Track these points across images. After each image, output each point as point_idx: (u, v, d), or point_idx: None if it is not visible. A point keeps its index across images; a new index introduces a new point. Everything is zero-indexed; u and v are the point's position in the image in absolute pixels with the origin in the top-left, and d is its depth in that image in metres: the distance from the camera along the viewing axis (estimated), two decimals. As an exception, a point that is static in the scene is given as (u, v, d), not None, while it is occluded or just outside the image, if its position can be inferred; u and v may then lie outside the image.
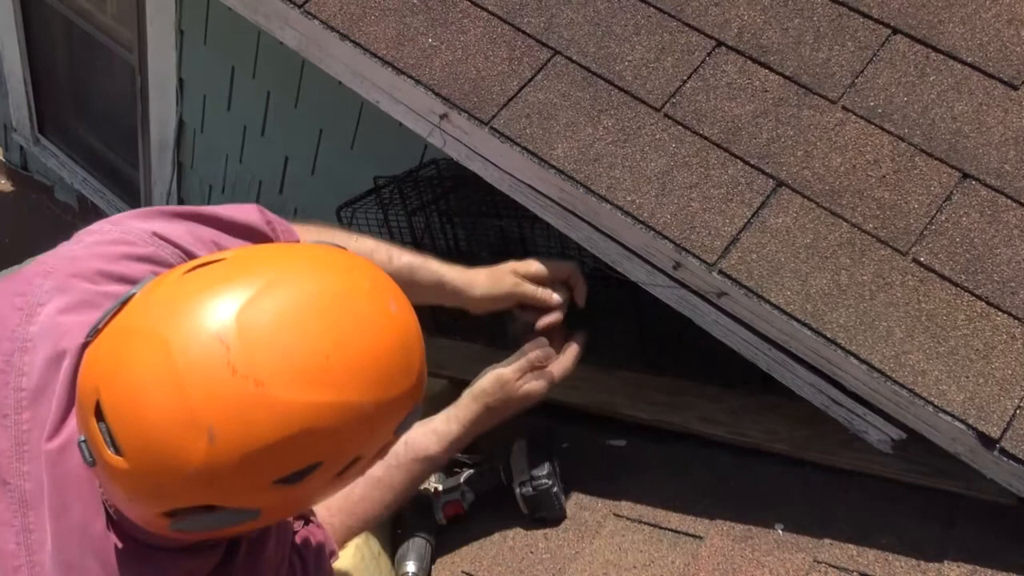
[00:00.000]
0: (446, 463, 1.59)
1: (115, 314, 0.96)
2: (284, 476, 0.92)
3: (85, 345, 0.97)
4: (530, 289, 1.62)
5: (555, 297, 1.63)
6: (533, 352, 1.57)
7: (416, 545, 1.60)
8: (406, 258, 1.55)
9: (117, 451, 0.90)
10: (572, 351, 1.61)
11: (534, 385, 1.56)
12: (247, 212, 1.33)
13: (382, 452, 1.04)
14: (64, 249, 1.17)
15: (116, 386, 0.91)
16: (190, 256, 1.18)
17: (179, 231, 1.21)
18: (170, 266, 1.16)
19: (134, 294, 0.97)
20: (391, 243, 1.58)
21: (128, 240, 1.17)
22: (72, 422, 1.04)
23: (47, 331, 1.08)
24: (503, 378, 1.55)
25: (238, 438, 0.88)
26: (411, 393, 0.99)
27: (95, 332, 0.96)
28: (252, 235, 1.31)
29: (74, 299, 1.10)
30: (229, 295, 0.91)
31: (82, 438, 0.94)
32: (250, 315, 0.90)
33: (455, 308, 1.64)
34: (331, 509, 1.44)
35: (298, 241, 1.37)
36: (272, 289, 0.92)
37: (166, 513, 0.94)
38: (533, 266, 1.62)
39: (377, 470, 1.44)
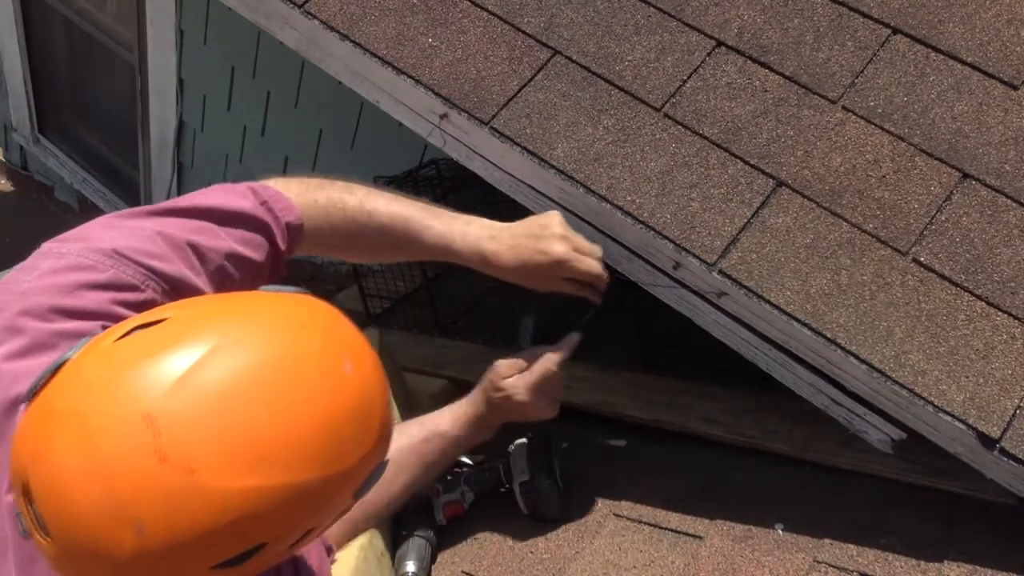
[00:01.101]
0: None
1: (49, 380, 0.90)
2: (224, 561, 0.87)
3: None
4: (583, 264, 1.47)
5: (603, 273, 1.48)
6: (532, 349, 1.50)
7: (416, 545, 1.60)
8: (397, 209, 1.42)
9: (47, 534, 0.86)
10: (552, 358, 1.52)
11: (521, 380, 1.49)
12: (238, 197, 1.27)
13: (343, 514, 0.98)
14: (19, 278, 1.10)
15: (41, 472, 0.86)
16: (155, 274, 1.13)
17: (144, 243, 1.14)
18: (133, 289, 1.11)
19: (68, 358, 0.91)
20: (390, 191, 1.46)
21: (84, 265, 1.10)
22: None
23: None
24: (496, 365, 1.52)
25: (168, 530, 0.83)
26: (369, 457, 0.94)
27: (32, 395, 0.91)
28: (242, 222, 1.25)
29: (26, 342, 1.04)
30: (161, 369, 0.85)
31: (17, 511, 0.90)
32: (182, 393, 0.84)
33: (455, 308, 1.63)
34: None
35: (297, 218, 1.31)
36: (210, 361, 0.86)
37: None
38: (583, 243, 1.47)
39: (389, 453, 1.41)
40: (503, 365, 1.52)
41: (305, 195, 1.35)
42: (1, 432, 1.02)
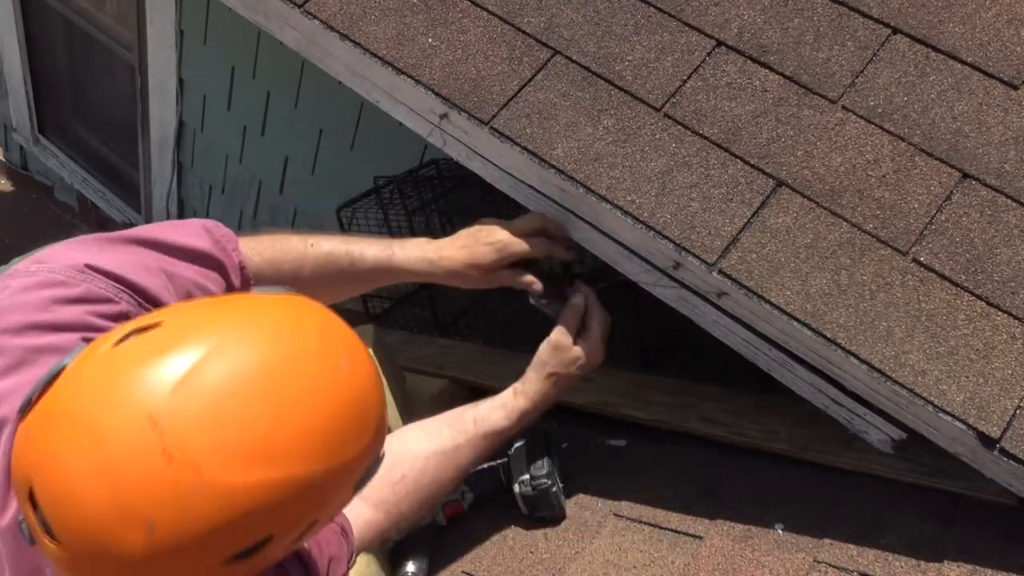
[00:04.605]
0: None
1: (46, 389, 0.91)
2: (233, 555, 0.89)
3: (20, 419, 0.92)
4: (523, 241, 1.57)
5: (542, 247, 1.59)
6: (575, 300, 1.56)
7: (416, 545, 1.60)
8: (336, 239, 1.52)
9: (54, 539, 0.87)
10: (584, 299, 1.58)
11: (587, 344, 1.54)
12: (193, 235, 1.30)
13: (343, 506, 1.00)
14: None
15: (47, 478, 0.86)
16: (129, 286, 1.14)
17: (116, 259, 1.16)
18: (107, 301, 1.12)
19: (65, 365, 0.91)
20: (330, 234, 1.55)
21: (56, 280, 1.11)
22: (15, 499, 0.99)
23: None
24: (557, 343, 1.54)
25: (178, 527, 0.84)
26: (367, 451, 0.96)
27: (27, 408, 0.91)
28: (200, 259, 1.28)
29: (6, 361, 1.05)
30: (161, 372, 0.86)
31: (21, 518, 0.91)
32: (185, 394, 0.85)
33: (455, 308, 1.63)
34: (398, 495, 1.43)
35: (247, 257, 1.37)
36: (209, 362, 0.87)
37: None
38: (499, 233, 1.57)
39: (447, 447, 1.46)
40: (561, 337, 1.54)
41: (251, 237, 1.42)
42: None
